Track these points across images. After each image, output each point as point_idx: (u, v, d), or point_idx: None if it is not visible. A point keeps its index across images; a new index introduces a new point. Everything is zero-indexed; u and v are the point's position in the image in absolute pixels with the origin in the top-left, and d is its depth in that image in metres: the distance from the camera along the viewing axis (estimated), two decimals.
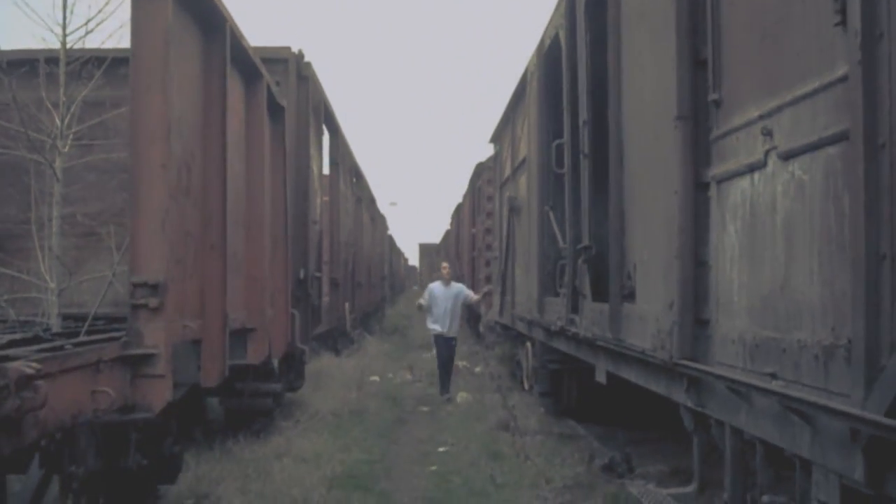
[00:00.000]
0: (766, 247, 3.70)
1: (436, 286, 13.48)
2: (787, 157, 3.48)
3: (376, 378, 14.17)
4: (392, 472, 7.92)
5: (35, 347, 4.41)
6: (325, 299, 13.87)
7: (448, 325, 12.92)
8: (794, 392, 3.26)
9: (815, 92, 3.25)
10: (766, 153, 3.68)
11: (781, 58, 3.60)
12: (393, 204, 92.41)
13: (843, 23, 2.96)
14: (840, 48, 3.03)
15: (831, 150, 3.14)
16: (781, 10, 3.60)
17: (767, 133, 3.66)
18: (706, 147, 4.46)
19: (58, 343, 4.66)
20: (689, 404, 4.76)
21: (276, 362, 8.63)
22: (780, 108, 3.55)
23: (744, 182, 3.95)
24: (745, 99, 3.99)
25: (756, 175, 3.81)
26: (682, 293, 4.52)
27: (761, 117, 3.74)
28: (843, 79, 2.99)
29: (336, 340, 17.07)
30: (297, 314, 9.68)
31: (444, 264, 14.27)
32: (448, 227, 38.00)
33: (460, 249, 26.84)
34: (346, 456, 8.13)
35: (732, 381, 3.87)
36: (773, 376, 3.51)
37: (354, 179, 20.13)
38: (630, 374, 6.11)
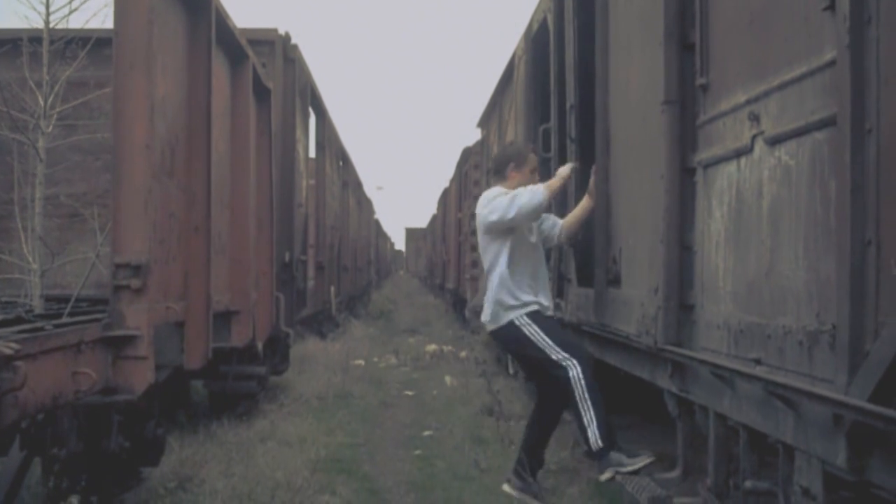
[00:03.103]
0: (752, 232, 3.69)
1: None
2: (774, 142, 3.47)
3: (361, 362, 14.15)
4: (376, 455, 7.92)
5: (16, 328, 4.37)
6: (311, 283, 13.85)
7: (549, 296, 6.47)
8: (779, 378, 3.26)
9: (803, 77, 3.24)
10: (753, 138, 3.67)
11: (769, 42, 3.58)
12: (379, 188, 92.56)
13: (832, 7, 2.94)
14: (828, 33, 3.02)
15: (818, 135, 3.13)
16: None
17: (754, 118, 3.65)
18: (693, 132, 4.45)
19: (39, 324, 4.62)
20: (674, 390, 4.76)
21: (260, 345, 8.60)
22: (767, 93, 3.54)
23: (730, 167, 3.94)
24: (733, 84, 3.97)
25: (742, 160, 3.80)
26: (668, 278, 4.51)
27: (748, 102, 3.72)
28: (831, 63, 2.97)
29: (321, 324, 17.07)
30: (282, 297, 9.66)
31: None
32: (435, 211, 38.01)
33: (447, 234, 26.84)
34: (330, 439, 8.11)
35: (717, 366, 3.87)
36: (758, 362, 3.51)
37: (341, 163, 20.09)
38: (614, 360, 6.12)
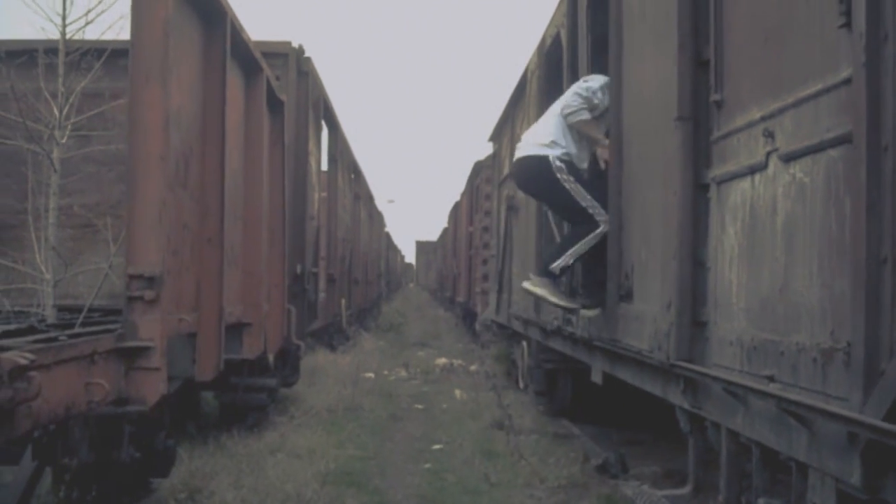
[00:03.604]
0: (766, 249, 3.69)
1: None
2: (789, 158, 3.47)
3: (371, 375, 14.15)
4: (386, 469, 7.90)
5: (29, 338, 4.38)
6: (322, 295, 13.86)
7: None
8: (792, 395, 3.25)
9: (818, 94, 3.24)
10: (768, 155, 3.66)
11: (784, 59, 3.58)
12: (391, 201, 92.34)
13: (848, 24, 2.94)
14: (844, 50, 3.02)
15: (833, 152, 3.12)
16: (785, 10, 3.58)
17: (769, 135, 3.65)
18: (706, 148, 4.45)
19: (52, 334, 4.63)
20: (686, 406, 4.75)
21: (271, 357, 8.61)
22: (782, 110, 3.54)
23: (744, 183, 3.94)
24: (747, 100, 3.97)
25: (757, 177, 3.80)
26: (680, 294, 4.50)
27: (763, 119, 3.72)
28: (847, 81, 2.97)
29: (332, 336, 17.06)
30: (294, 310, 9.67)
31: None
32: (445, 225, 38.03)
33: (457, 247, 26.85)
34: (340, 452, 8.11)
35: (729, 383, 3.85)
36: (771, 379, 3.50)
37: (353, 176, 20.11)
38: (626, 375, 6.10)
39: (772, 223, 3.63)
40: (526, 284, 6.80)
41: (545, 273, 6.56)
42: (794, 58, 3.49)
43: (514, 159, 6.93)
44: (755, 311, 3.79)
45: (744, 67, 4.08)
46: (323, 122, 14.20)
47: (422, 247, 73.03)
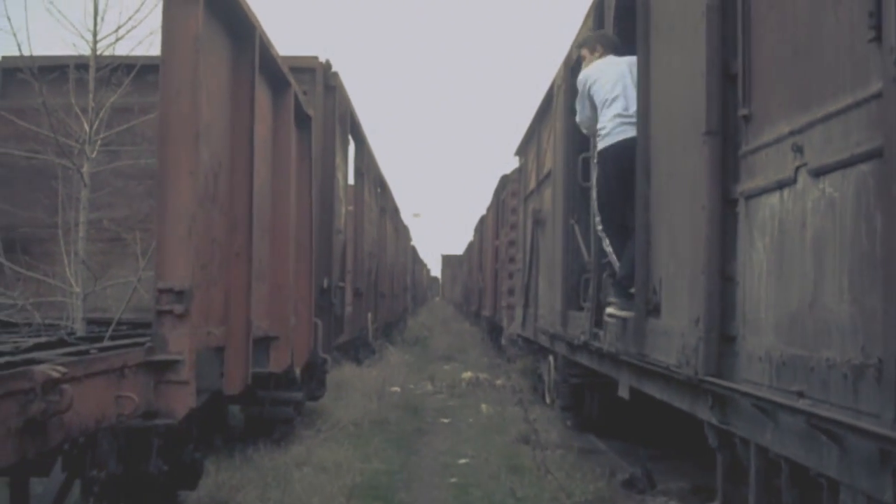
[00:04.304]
0: (795, 264, 3.66)
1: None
2: (818, 173, 3.45)
3: (397, 389, 14.15)
4: (412, 483, 7.90)
5: (60, 351, 4.42)
6: (348, 309, 13.89)
7: None
8: (822, 411, 3.22)
9: (848, 108, 3.22)
10: (797, 170, 3.64)
11: (813, 73, 3.57)
12: (417, 215, 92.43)
13: (878, 38, 2.93)
14: (874, 64, 3.00)
15: (864, 167, 3.10)
16: (814, 24, 3.57)
17: (798, 149, 3.63)
18: (735, 163, 4.43)
19: (83, 347, 4.67)
20: (714, 421, 4.72)
21: (298, 371, 8.63)
22: (811, 125, 3.52)
23: (773, 198, 3.92)
24: (776, 114, 3.95)
25: (785, 191, 3.78)
26: (709, 309, 4.48)
27: (792, 133, 3.70)
28: (878, 95, 2.95)
29: (358, 350, 17.08)
30: (320, 323, 9.69)
31: None
32: (471, 238, 38.01)
33: (483, 261, 26.83)
34: (366, 466, 8.12)
35: (759, 398, 3.83)
36: (801, 394, 3.47)
37: (379, 190, 20.17)
38: (653, 390, 6.07)
39: (801, 238, 3.61)
40: (611, 310, 6.46)
41: (625, 294, 6.31)
42: (824, 72, 3.48)
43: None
44: (784, 327, 3.76)
45: (772, 81, 4.07)
46: (350, 137, 14.26)
47: (447, 260, 73.02)
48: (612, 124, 6.58)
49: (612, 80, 6.72)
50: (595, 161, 6.95)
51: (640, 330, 5.87)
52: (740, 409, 4.32)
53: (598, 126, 6.75)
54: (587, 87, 6.89)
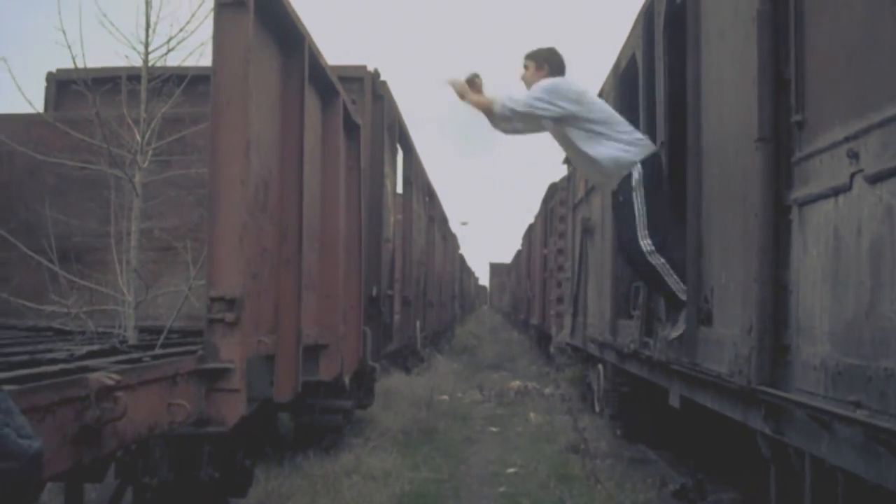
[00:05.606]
0: (851, 271, 3.60)
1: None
2: (875, 180, 3.39)
3: (446, 397, 14.16)
4: (461, 492, 7.89)
5: (113, 359, 4.47)
6: (397, 317, 13.92)
7: None
8: (881, 422, 3.16)
9: None
10: (852, 176, 3.59)
11: (870, 77, 3.51)
12: (464, 223, 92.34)
13: None
14: None
15: None
16: (869, 28, 3.52)
17: (853, 155, 3.57)
18: (788, 169, 4.37)
19: (135, 355, 4.72)
20: (767, 431, 4.65)
21: (347, 379, 8.66)
22: (867, 130, 3.46)
23: (827, 205, 3.86)
24: (830, 120, 3.90)
25: (841, 198, 3.72)
26: (762, 317, 4.43)
27: (847, 139, 3.65)
28: None
29: (406, 359, 17.11)
30: (369, 332, 9.72)
31: None
32: (519, 247, 37.95)
33: (532, 269, 26.78)
34: (415, 475, 8.12)
35: (814, 408, 3.77)
36: (858, 405, 3.41)
37: (427, 198, 20.20)
38: (705, 400, 6.00)
39: (857, 245, 3.55)
40: (677, 332, 6.20)
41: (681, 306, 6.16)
42: (880, 76, 3.42)
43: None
44: (840, 336, 3.70)
45: (826, 87, 4.01)
46: (398, 145, 14.30)
47: (495, 269, 73.02)
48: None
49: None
50: (640, 177, 6.47)
51: (692, 339, 5.82)
52: (794, 420, 4.26)
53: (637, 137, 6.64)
54: (581, 94, 6.68)
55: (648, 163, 6.45)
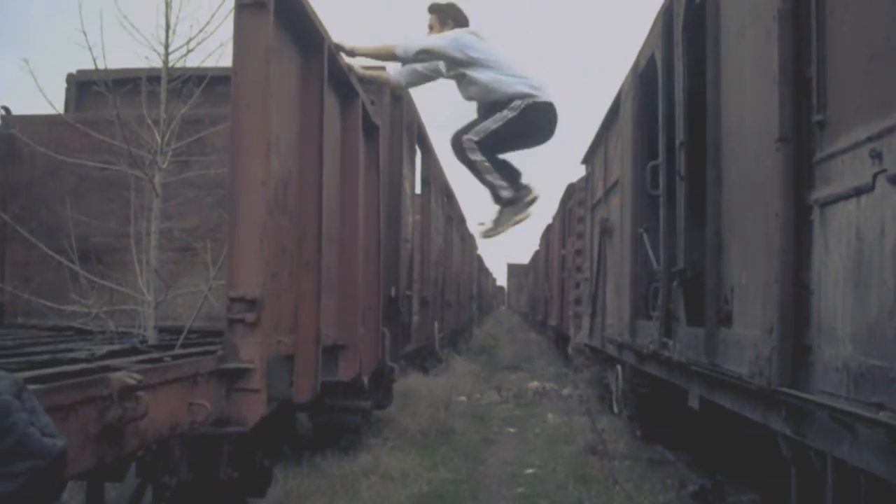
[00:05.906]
0: (873, 272, 3.58)
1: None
2: None
3: (464, 398, 14.15)
4: (479, 492, 7.89)
5: (134, 359, 4.48)
6: (415, 318, 13.91)
7: None
8: None
9: None
10: (875, 176, 3.57)
11: (893, 77, 3.49)
12: (482, 224, 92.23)
13: None
14: None
15: None
16: (893, 27, 3.50)
17: (876, 155, 3.55)
18: (809, 169, 4.35)
19: (156, 355, 4.73)
20: (788, 433, 4.63)
21: (365, 379, 8.67)
22: (890, 130, 3.45)
23: (849, 205, 3.84)
24: (852, 120, 3.88)
25: (863, 198, 3.70)
26: (783, 318, 4.41)
27: (869, 139, 3.63)
28: None
29: (424, 359, 17.10)
30: (388, 332, 9.71)
31: None
32: (537, 247, 37.90)
33: (549, 270, 26.74)
34: (433, 475, 8.12)
35: (836, 410, 3.75)
36: (881, 407, 3.39)
37: (446, 199, 20.18)
38: (725, 401, 5.98)
39: (879, 246, 3.53)
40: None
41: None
42: None
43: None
44: (862, 337, 3.68)
45: (848, 87, 3.99)
46: (416, 146, 14.29)
47: (513, 269, 72.91)
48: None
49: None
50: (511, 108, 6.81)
51: (712, 339, 5.80)
52: (816, 421, 4.24)
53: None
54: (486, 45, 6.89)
55: (536, 109, 6.78)
